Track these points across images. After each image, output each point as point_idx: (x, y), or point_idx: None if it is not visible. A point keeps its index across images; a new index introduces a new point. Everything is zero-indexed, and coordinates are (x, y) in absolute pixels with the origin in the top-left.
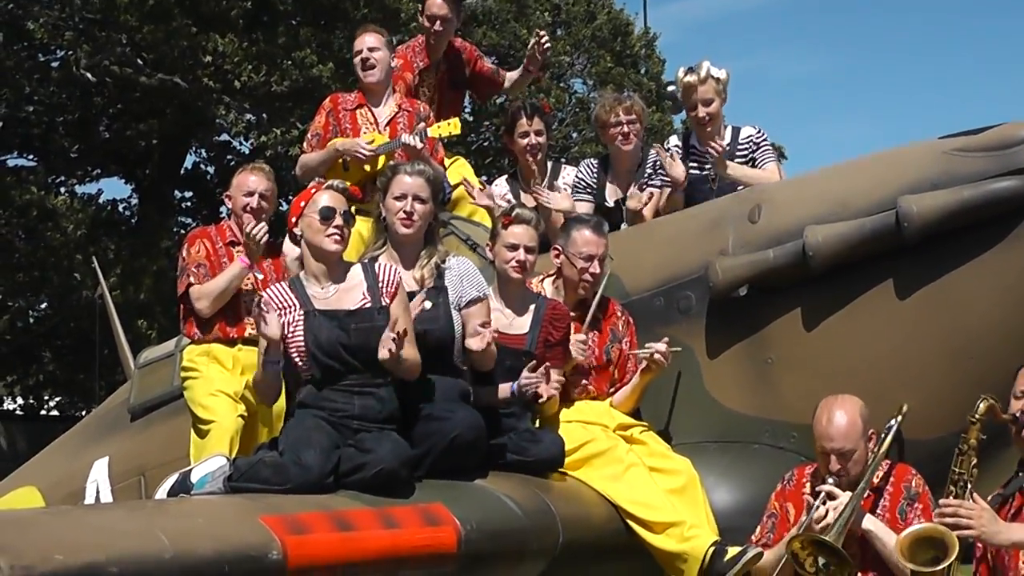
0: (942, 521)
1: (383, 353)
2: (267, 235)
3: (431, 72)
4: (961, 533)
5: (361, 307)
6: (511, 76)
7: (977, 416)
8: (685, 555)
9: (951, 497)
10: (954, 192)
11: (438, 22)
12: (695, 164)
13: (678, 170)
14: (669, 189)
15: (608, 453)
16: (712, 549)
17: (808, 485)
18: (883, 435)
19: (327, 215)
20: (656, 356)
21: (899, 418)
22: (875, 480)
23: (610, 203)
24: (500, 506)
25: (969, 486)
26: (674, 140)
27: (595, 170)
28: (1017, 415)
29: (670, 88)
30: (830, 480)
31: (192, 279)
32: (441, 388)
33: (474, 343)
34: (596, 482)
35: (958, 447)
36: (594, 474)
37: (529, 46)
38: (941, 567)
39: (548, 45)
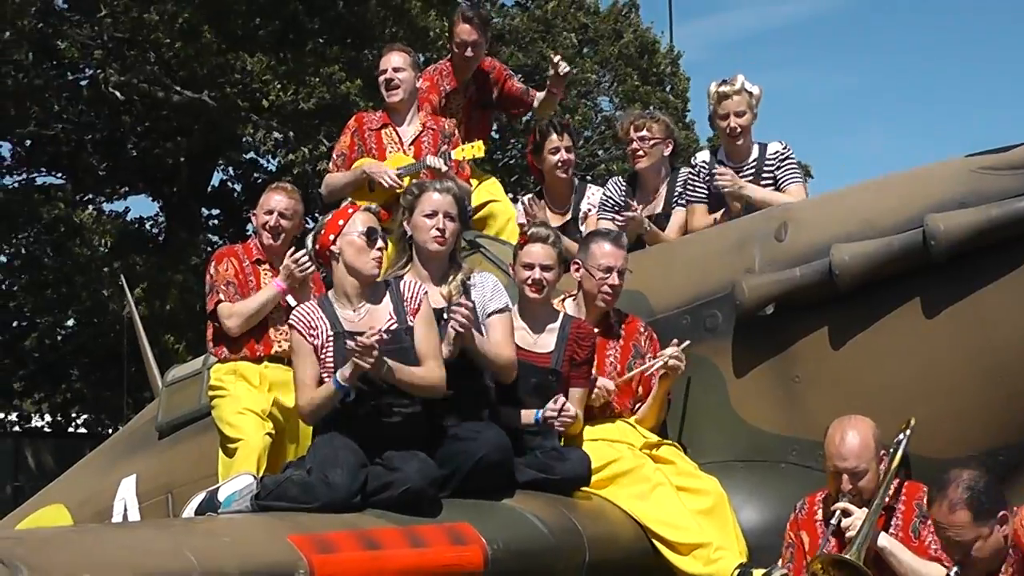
0: None
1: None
2: (312, 271)
3: (459, 94)
4: None
5: (388, 327)
6: (539, 96)
7: None
8: None
9: None
10: (982, 211)
11: (468, 48)
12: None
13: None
14: (700, 206)
15: (635, 472)
16: (737, 572)
17: (819, 511)
18: (892, 449)
19: (372, 236)
20: (671, 362)
21: (907, 432)
22: (887, 499)
23: None
24: (527, 525)
25: None
26: (702, 156)
27: (623, 188)
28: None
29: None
30: (844, 499)
31: (222, 296)
32: (468, 407)
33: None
34: (623, 501)
35: None
36: (620, 492)
37: (550, 70)
38: None
39: (566, 70)
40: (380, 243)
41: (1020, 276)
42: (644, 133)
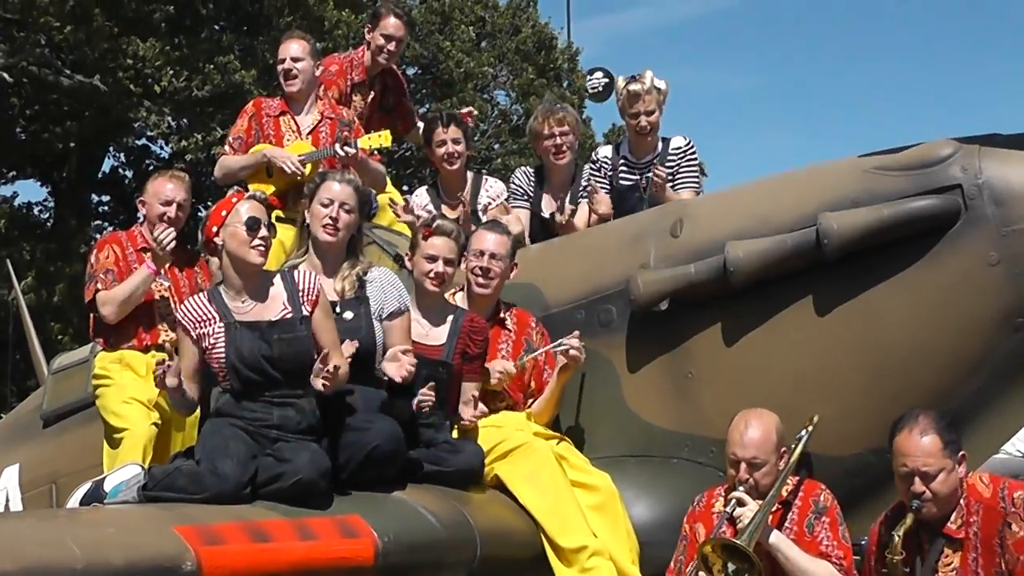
0: None
1: (317, 385)
2: (173, 241)
3: (364, 88)
4: None
5: (282, 317)
6: (417, 127)
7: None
8: None
9: None
10: (874, 210)
11: (393, 43)
12: (629, 173)
13: (604, 208)
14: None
15: (524, 447)
16: None
17: (717, 504)
18: (793, 445)
19: (253, 225)
20: (572, 352)
21: (810, 428)
22: (784, 494)
23: (545, 214)
24: (418, 518)
25: None
26: (604, 151)
27: (531, 179)
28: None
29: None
30: (740, 488)
31: (100, 285)
32: (361, 399)
33: (391, 370)
34: (514, 482)
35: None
36: (512, 470)
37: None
38: None
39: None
40: (264, 231)
41: (909, 276)
42: (565, 128)
